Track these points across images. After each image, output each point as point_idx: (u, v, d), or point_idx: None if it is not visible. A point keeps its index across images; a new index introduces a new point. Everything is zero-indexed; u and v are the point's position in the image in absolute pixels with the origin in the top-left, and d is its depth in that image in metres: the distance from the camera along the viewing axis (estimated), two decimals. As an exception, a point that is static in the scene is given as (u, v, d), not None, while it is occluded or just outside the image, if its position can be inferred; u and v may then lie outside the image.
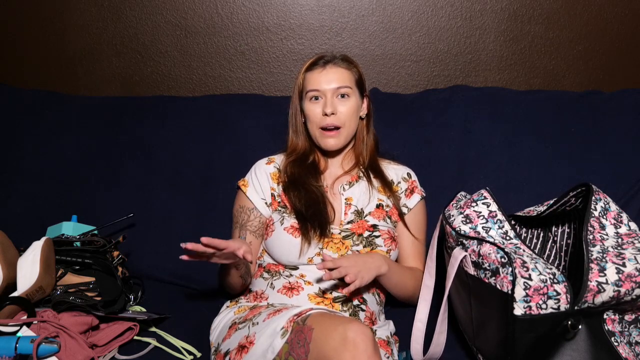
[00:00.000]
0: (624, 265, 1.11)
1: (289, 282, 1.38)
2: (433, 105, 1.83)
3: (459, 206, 1.35)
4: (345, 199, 1.48)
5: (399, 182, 1.54)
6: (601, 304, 1.12)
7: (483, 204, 1.31)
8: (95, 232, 1.64)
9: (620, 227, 1.21)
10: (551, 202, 1.34)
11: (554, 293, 1.11)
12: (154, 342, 1.38)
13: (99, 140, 1.86)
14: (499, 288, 1.15)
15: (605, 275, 1.11)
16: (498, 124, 1.77)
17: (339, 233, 1.42)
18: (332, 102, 1.43)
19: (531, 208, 1.39)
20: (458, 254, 1.26)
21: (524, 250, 1.21)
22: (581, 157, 1.71)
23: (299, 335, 1.14)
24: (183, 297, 1.66)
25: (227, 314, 1.40)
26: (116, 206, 1.76)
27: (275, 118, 1.77)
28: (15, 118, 1.92)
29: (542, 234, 1.47)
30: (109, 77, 2.11)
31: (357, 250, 1.40)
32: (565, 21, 2.02)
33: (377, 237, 1.42)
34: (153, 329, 1.44)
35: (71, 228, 1.61)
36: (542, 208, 1.36)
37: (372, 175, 1.52)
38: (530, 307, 1.12)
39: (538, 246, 1.46)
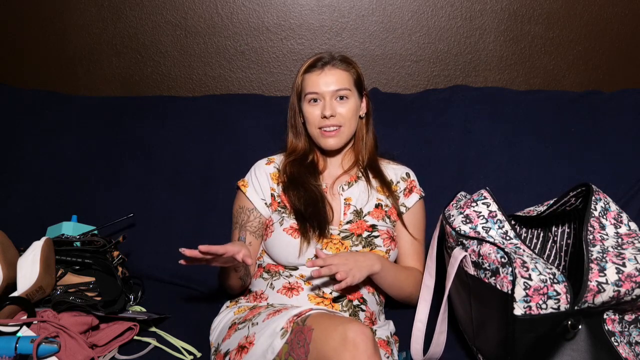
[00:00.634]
0: (624, 265, 1.11)
1: (289, 283, 1.38)
2: (433, 105, 1.83)
3: (459, 206, 1.35)
4: (345, 199, 1.48)
5: (397, 182, 1.54)
6: (601, 304, 1.12)
7: (483, 204, 1.31)
8: (95, 232, 1.64)
9: (620, 227, 1.21)
10: (551, 202, 1.34)
11: (554, 293, 1.11)
12: (154, 342, 1.38)
13: (99, 140, 1.86)
14: (499, 288, 1.15)
15: (605, 275, 1.11)
16: (498, 124, 1.77)
17: (338, 234, 1.42)
18: (331, 105, 1.43)
19: (531, 208, 1.39)
20: (458, 254, 1.26)
21: (524, 250, 1.21)
22: (581, 157, 1.71)
23: (299, 335, 1.14)
24: (183, 297, 1.66)
25: (227, 314, 1.40)
26: (116, 206, 1.76)
27: (275, 118, 1.77)
28: (15, 118, 1.92)
29: (542, 234, 1.47)
30: (109, 77, 2.11)
31: (356, 251, 1.40)
32: (565, 21, 2.02)
33: (376, 237, 1.42)
34: (153, 329, 1.44)
35: (71, 228, 1.61)
36: (542, 208, 1.36)
37: (371, 175, 1.52)
38: (530, 307, 1.12)
39: (538, 246, 1.46)
